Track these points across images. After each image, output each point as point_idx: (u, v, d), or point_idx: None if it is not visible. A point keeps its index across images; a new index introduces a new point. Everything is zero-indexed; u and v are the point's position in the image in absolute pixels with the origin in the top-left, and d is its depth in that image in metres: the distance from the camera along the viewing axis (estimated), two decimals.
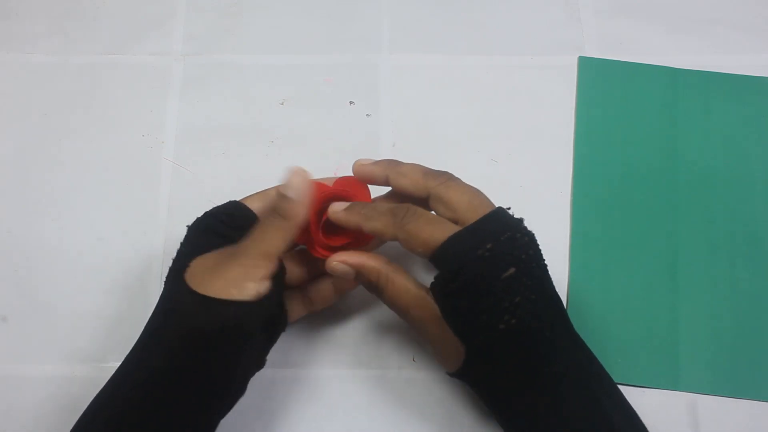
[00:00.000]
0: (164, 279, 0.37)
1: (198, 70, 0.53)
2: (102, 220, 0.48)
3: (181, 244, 0.38)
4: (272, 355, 0.45)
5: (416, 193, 0.38)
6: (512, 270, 0.34)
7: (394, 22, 0.54)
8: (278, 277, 0.36)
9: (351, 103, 0.52)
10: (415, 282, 0.37)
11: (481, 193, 0.38)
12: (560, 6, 0.55)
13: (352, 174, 0.41)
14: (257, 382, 0.44)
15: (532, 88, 0.52)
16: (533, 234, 0.36)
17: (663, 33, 0.54)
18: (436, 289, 0.36)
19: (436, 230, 0.35)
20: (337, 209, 0.38)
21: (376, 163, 0.40)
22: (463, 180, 0.39)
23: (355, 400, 0.44)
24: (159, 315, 0.36)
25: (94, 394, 0.36)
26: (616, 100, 0.51)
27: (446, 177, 0.38)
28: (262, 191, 0.41)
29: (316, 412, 0.44)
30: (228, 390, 0.36)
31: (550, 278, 0.37)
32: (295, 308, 0.42)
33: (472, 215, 0.36)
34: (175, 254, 0.38)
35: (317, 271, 0.41)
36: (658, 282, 0.47)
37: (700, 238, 0.47)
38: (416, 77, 0.53)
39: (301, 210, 0.36)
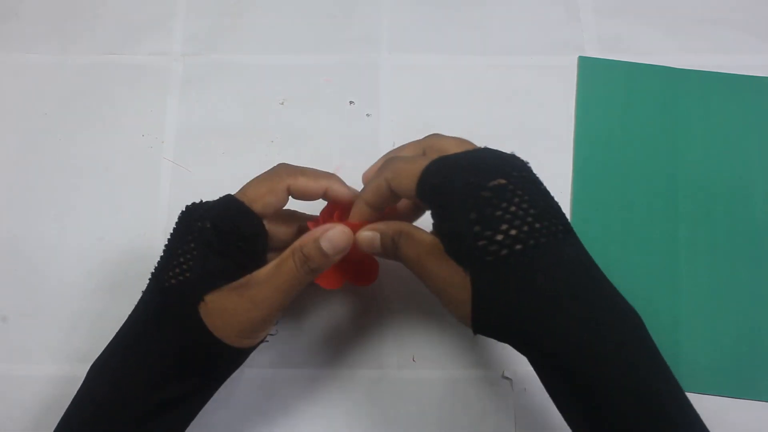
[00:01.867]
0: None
1: (198, 70, 0.53)
2: (102, 220, 0.48)
3: (182, 254, 0.35)
4: (272, 355, 0.45)
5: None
6: (502, 180, 0.31)
7: (394, 22, 0.54)
8: None
9: (351, 103, 0.52)
10: (431, 234, 0.34)
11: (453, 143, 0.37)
12: (560, 6, 0.55)
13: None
14: (257, 382, 0.44)
15: (532, 88, 0.52)
16: (528, 164, 0.34)
17: (663, 33, 0.54)
18: (434, 219, 0.34)
19: (419, 162, 0.34)
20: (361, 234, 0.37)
21: (376, 163, 0.40)
22: None
23: (355, 400, 0.44)
24: (172, 345, 0.35)
25: None
26: (616, 100, 0.51)
27: (436, 134, 0.39)
28: (270, 188, 0.37)
29: (316, 412, 0.44)
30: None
31: (557, 204, 0.33)
32: None
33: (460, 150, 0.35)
34: (166, 259, 0.36)
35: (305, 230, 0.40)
36: (658, 282, 0.47)
37: (700, 239, 0.47)
38: (416, 77, 0.53)
39: (328, 265, 0.36)
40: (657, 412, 0.29)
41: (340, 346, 0.45)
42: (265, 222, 0.37)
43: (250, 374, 0.44)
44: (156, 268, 0.36)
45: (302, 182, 0.37)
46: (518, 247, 0.30)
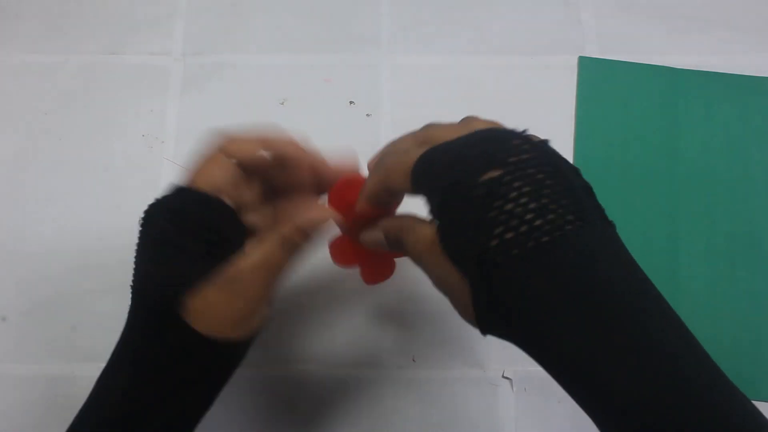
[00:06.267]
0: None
1: (198, 70, 0.53)
2: (102, 220, 0.48)
3: (151, 260, 0.34)
4: (272, 355, 0.45)
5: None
6: (495, 172, 0.27)
7: (394, 22, 0.54)
8: None
9: (351, 103, 0.52)
10: (432, 227, 0.32)
11: (474, 125, 0.32)
12: (560, 6, 0.55)
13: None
14: (258, 382, 0.44)
15: (532, 88, 0.52)
16: (542, 141, 0.30)
17: (663, 33, 0.54)
18: (431, 216, 0.31)
19: (409, 156, 0.31)
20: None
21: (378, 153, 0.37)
22: None
23: (355, 400, 0.44)
24: (156, 352, 0.33)
25: None
26: (616, 100, 0.51)
27: (432, 123, 0.35)
28: (209, 164, 0.34)
29: (317, 412, 0.44)
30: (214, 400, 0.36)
31: (580, 194, 0.29)
32: None
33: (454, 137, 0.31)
34: (137, 268, 0.35)
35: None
36: (658, 282, 0.46)
37: (700, 238, 0.47)
38: (416, 77, 0.53)
39: (310, 248, 0.35)
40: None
41: (340, 346, 0.45)
42: (231, 202, 0.35)
43: (250, 374, 0.44)
44: (132, 281, 0.34)
45: (235, 142, 0.35)
46: (515, 251, 0.27)
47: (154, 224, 0.34)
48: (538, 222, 0.27)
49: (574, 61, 0.53)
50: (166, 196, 0.34)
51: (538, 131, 0.53)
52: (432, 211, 0.31)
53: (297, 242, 0.34)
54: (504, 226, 0.27)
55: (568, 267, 0.27)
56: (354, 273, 0.47)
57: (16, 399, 0.44)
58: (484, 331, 0.30)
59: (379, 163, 0.34)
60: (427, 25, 0.54)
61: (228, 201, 0.34)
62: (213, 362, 0.33)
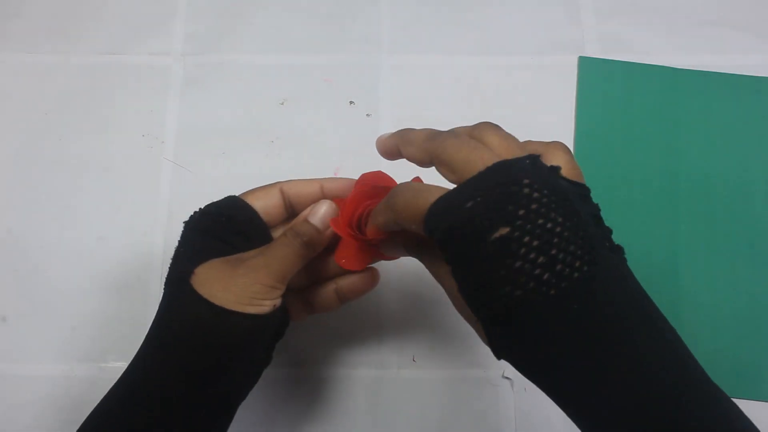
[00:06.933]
0: (164, 279, 0.37)
1: (198, 70, 0.53)
2: (102, 220, 0.48)
3: (179, 243, 0.38)
4: (273, 356, 0.45)
5: (423, 161, 0.33)
6: (504, 230, 0.27)
7: (394, 22, 0.54)
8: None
9: (351, 103, 0.52)
10: None
11: (484, 147, 0.31)
12: (560, 6, 0.55)
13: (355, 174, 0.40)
14: (257, 382, 0.44)
15: (532, 88, 0.52)
16: (556, 182, 0.29)
17: (663, 33, 0.54)
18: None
19: (424, 198, 0.30)
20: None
21: (392, 134, 0.36)
22: None
23: (355, 400, 0.44)
24: (168, 322, 0.35)
25: (94, 394, 0.36)
26: (616, 100, 0.51)
27: (448, 134, 0.32)
28: (263, 188, 0.40)
29: (316, 412, 0.44)
30: (241, 388, 0.37)
31: (590, 232, 0.29)
32: (295, 311, 0.41)
33: (468, 172, 0.30)
34: (173, 254, 0.37)
35: (318, 275, 0.41)
36: (658, 282, 0.47)
37: (700, 239, 0.48)
38: (416, 77, 0.53)
39: (321, 241, 0.37)
40: None
41: (340, 346, 0.45)
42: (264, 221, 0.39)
43: None
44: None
45: (295, 183, 0.40)
46: (521, 307, 0.27)
47: (192, 218, 0.38)
48: (546, 276, 0.27)
49: (574, 61, 0.53)
50: (216, 201, 0.39)
51: (538, 131, 0.53)
52: (446, 259, 0.30)
53: (299, 230, 0.36)
54: (512, 285, 0.27)
55: (575, 315, 0.28)
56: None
57: (16, 399, 0.44)
58: (501, 358, 0.31)
59: (391, 201, 0.33)
60: (427, 25, 0.54)
61: (263, 216, 0.39)
62: (217, 329, 0.34)
